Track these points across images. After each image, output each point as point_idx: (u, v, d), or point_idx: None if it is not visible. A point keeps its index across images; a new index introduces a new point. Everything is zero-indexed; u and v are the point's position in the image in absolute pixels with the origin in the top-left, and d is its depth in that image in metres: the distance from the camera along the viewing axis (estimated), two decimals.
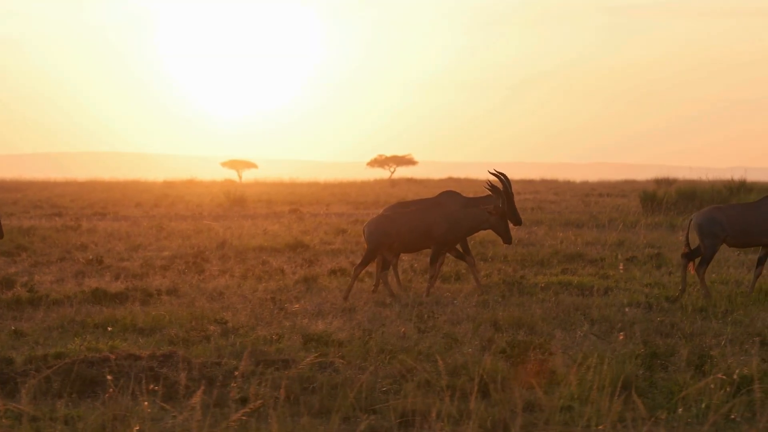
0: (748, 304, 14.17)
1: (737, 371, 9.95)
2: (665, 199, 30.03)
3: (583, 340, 11.94)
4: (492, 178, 15.57)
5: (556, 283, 15.85)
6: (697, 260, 14.98)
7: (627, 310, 13.83)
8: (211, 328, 12.15)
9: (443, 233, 15.29)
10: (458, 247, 15.71)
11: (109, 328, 12.40)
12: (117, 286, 15.63)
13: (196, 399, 8.29)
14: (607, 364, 10.14)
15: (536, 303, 14.23)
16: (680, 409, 9.10)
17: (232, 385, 9.19)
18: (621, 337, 11.57)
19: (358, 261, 19.94)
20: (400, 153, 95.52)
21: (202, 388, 8.84)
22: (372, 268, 16.39)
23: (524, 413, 9.09)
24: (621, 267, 17.43)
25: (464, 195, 15.89)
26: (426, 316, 13.07)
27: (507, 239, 15.36)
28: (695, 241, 15.16)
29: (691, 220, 15.10)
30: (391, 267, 15.63)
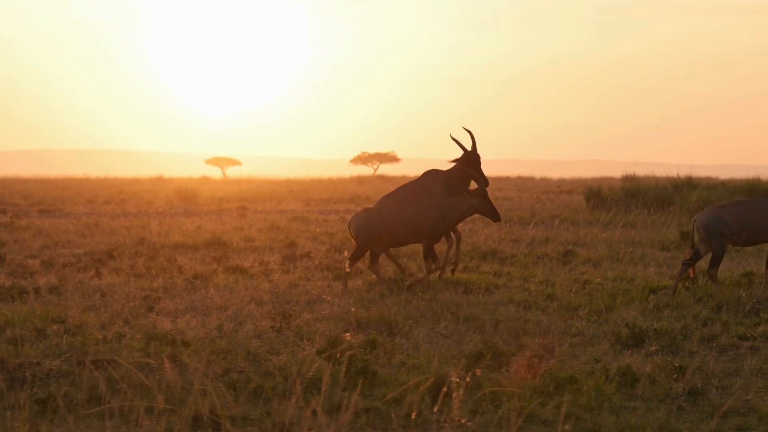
0: (626, 304, 13.87)
1: (563, 372, 9.70)
2: (609, 197, 29.72)
3: (435, 339, 11.67)
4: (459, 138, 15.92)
5: (443, 281, 15.56)
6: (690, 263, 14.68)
7: (500, 309, 13.55)
8: (54, 327, 11.87)
9: (432, 227, 15.29)
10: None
11: None
12: None
13: None
14: (432, 364, 9.88)
15: (408, 301, 13.92)
16: (492, 412, 8.84)
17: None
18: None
19: (273, 257, 19.73)
20: (384, 150, 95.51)
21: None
22: (363, 263, 16.17)
23: (328, 415, 8.80)
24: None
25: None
26: (290, 314, 12.78)
27: (495, 218, 15.50)
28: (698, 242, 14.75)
29: (695, 221, 14.75)
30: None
